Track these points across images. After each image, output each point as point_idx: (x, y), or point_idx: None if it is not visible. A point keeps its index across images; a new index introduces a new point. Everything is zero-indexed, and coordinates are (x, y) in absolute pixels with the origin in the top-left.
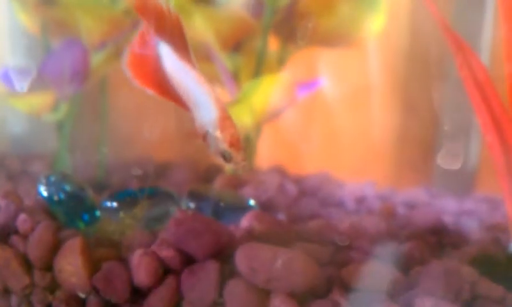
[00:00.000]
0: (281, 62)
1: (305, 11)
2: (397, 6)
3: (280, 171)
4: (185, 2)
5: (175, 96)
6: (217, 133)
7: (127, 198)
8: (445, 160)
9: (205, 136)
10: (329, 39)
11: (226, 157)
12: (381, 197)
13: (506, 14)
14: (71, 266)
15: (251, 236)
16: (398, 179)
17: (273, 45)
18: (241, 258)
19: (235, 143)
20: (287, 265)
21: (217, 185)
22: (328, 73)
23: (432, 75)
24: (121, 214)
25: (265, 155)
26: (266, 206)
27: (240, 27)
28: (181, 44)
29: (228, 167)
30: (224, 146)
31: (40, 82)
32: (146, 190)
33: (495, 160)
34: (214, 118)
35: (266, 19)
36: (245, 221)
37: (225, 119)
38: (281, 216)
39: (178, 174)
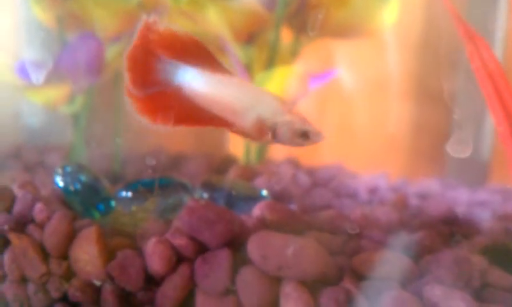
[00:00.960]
0: (294, 53)
1: (318, 3)
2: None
3: (294, 163)
4: None
5: (204, 118)
6: (288, 117)
7: (141, 188)
8: (454, 148)
9: (273, 129)
10: (343, 31)
11: (306, 134)
12: (393, 188)
13: None
14: (86, 255)
15: (263, 225)
16: (413, 169)
17: (286, 36)
18: (253, 246)
19: (305, 119)
20: (298, 253)
21: (231, 175)
22: (342, 64)
23: (447, 65)
24: (134, 208)
25: (279, 147)
26: (279, 197)
27: (254, 19)
28: (209, 59)
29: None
30: (300, 125)
31: (55, 75)
32: (160, 180)
33: (506, 150)
34: (277, 107)
35: (279, 11)
36: (257, 210)
37: (286, 102)
38: (294, 206)
39: (192, 166)
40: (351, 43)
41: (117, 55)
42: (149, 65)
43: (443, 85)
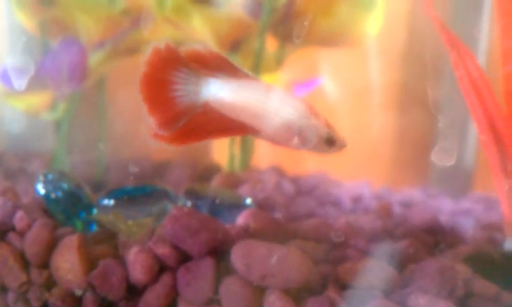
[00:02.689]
0: (278, 62)
1: (303, 11)
2: (395, 6)
3: (278, 170)
4: (183, 2)
5: (231, 127)
6: (314, 121)
7: (124, 196)
8: (439, 157)
9: (300, 132)
10: (327, 39)
11: (332, 139)
12: (377, 196)
13: (501, 15)
14: (67, 263)
15: (246, 233)
16: (396, 178)
17: (271, 45)
18: (237, 255)
19: (331, 125)
20: (281, 262)
21: (215, 183)
22: (326, 72)
23: (431, 73)
24: (130, 222)
25: (264, 154)
26: (263, 205)
27: (238, 27)
28: (231, 69)
29: (331, 153)
30: (325, 130)
31: (38, 81)
32: (143, 188)
33: (489, 159)
34: (304, 110)
35: (264, 19)
36: (241, 219)
37: (311, 107)
38: (278, 214)
39: (176, 173)
40: (336, 52)
41: (101, 61)
42: (171, 98)
43: (427, 93)
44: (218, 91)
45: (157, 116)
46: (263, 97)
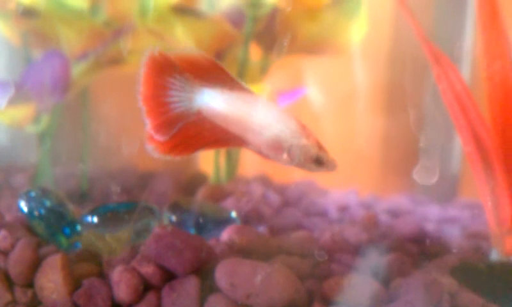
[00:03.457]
0: (263, 71)
1: (287, 20)
2: (379, 13)
3: (264, 180)
4: (165, 13)
5: (222, 138)
6: (304, 141)
7: (107, 213)
8: (421, 176)
9: (289, 151)
10: (311, 47)
11: (321, 161)
12: (364, 205)
13: (483, 21)
14: (52, 283)
15: (231, 250)
16: (383, 184)
17: (255, 54)
18: (221, 274)
19: (322, 145)
20: (266, 280)
21: (200, 196)
22: (311, 80)
23: (414, 82)
24: (107, 236)
25: (250, 163)
26: (249, 217)
27: (221, 37)
28: (226, 79)
29: (320, 172)
30: (315, 150)
31: (21, 94)
32: (126, 204)
33: (474, 171)
34: (296, 129)
35: (247, 28)
36: (225, 235)
37: (304, 126)
38: (263, 228)
39: (161, 184)
40: (321, 59)
41: (84, 73)
42: (166, 103)
43: (412, 100)
44: (211, 101)
45: (153, 119)
46: (256, 111)
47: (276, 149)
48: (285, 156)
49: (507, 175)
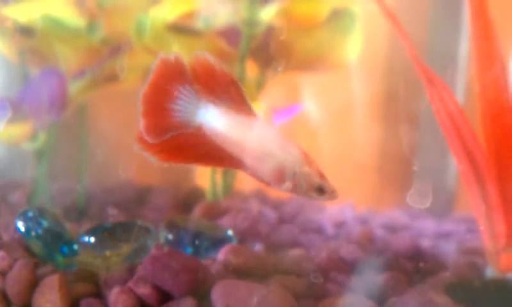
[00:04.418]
0: (259, 87)
1: (282, 37)
2: (375, 28)
3: (260, 196)
4: (162, 31)
5: (221, 158)
6: (307, 170)
7: (104, 233)
8: (414, 199)
9: (292, 179)
10: (307, 64)
11: (322, 190)
12: (360, 220)
13: (476, 32)
14: (49, 303)
15: (227, 271)
16: (379, 197)
17: (251, 71)
18: (217, 296)
19: (323, 174)
20: (262, 302)
21: (196, 213)
22: (308, 95)
23: (410, 96)
24: (108, 252)
25: (246, 178)
26: (245, 235)
27: (217, 55)
28: (238, 98)
29: (321, 200)
30: (317, 179)
31: (18, 112)
32: (123, 224)
33: (468, 188)
34: (299, 157)
35: (243, 46)
36: (221, 255)
37: (307, 154)
38: (260, 245)
39: (158, 199)
40: (317, 75)
41: (81, 90)
42: (167, 108)
43: (409, 114)
44: (214, 120)
45: (148, 120)
46: (260, 137)
47: (278, 177)
48: (287, 184)
49: (501, 192)
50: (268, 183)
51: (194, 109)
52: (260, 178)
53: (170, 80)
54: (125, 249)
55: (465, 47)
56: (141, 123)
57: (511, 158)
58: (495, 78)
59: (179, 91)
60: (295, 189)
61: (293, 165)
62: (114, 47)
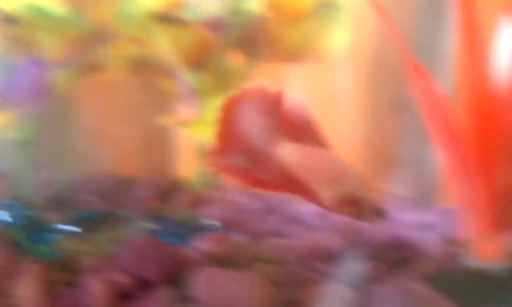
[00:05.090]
0: (245, 78)
1: (268, 26)
2: (362, 20)
3: (244, 188)
4: (147, 21)
5: (288, 185)
6: (370, 196)
7: (84, 222)
8: (396, 187)
9: (357, 203)
10: (294, 54)
11: (381, 213)
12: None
13: (460, 22)
14: (27, 292)
15: (208, 259)
16: None
17: (237, 60)
18: (198, 284)
19: (378, 197)
20: (242, 290)
21: (179, 203)
22: (293, 86)
23: (396, 89)
24: (91, 240)
25: None
26: (228, 225)
27: (204, 44)
28: (314, 136)
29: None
30: (378, 204)
31: (1, 101)
32: (103, 213)
33: (450, 178)
34: (361, 182)
35: (229, 36)
36: (203, 244)
37: (366, 180)
38: (242, 235)
39: (140, 190)
40: (303, 66)
41: (66, 79)
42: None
43: (393, 107)
44: (289, 153)
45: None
46: (328, 164)
47: (343, 203)
48: (350, 209)
49: (483, 182)
50: (330, 209)
51: (273, 140)
52: (323, 204)
53: (258, 109)
54: (109, 236)
55: (451, 38)
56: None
57: (494, 147)
58: (478, 67)
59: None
60: (357, 214)
61: (357, 190)
62: (99, 36)
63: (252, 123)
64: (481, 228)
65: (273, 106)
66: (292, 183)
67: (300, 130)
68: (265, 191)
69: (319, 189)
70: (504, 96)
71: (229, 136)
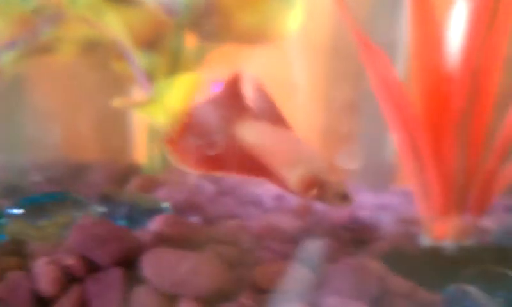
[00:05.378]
0: (198, 60)
1: (222, 8)
2: (317, 4)
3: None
4: (97, 1)
5: (250, 167)
6: (333, 179)
7: (33, 204)
8: (343, 160)
9: (321, 187)
10: (248, 36)
11: (346, 197)
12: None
13: (414, 9)
14: None
15: (159, 240)
16: None
17: (190, 42)
18: (146, 264)
19: (345, 182)
20: (192, 269)
21: (132, 186)
22: (248, 69)
23: (353, 73)
24: (45, 222)
25: None
26: (182, 208)
27: (154, 25)
28: (274, 114)
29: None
30: (342, 187)
31: None
32: (53, 195)
33: (402, 156)
34: (325, 165)
35: (182, 16)
36: (154, 225)
37: (332, 164)
38: (196, 218)
39: (93, 175)
40: (259, 49)
41: (12, 62)
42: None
43: (351, 92)
44: (249, 131)
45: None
46: (291, 147)
47: (306, 185)
48: (313, 192)
49: (436, 162)
50: (294, 191)
51: (233, 119)
52: (286, 186)
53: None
54: (59, 220)
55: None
56: (179, 129)
57: (447, 128)
58: (431, 47)
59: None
60: (321, 197)
61: (322, 174)
62: (48, 17)
63: (211, 107)
64: (434, 209)
65: (233, 89)
66: (254, 166)
67: (261, 112)
68: (227, 174)
69: (283, 171)
70: (457, 81)
71: (188, 120)
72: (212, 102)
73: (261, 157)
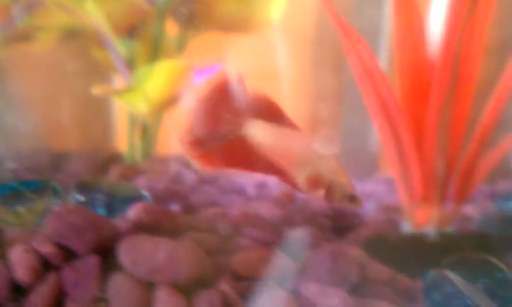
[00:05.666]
0: (179, 47)
1: None
2: None
3: (181, 160)
4: None
5: (260, 165)
6: (342, 179)
7: (9, 192)
8: (322, 145)
9: (328, 187)
10: (229, 24)
11: (354, 199)
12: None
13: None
14: None
15: (137, 228)
16: None
17: (171, 29)
18: (123, 251)
19: (353, 184)
20: (168, 256)
21: (113, 175)
22: (231, 57)
23: (336, 62)
24: (21, 208)
25: (168, 143)
26: (162, 196)
27: (134, 11)
28: (280, 117)
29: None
30: (351, 189)
31: None
32: (29, 183)
33: (384, 144)
34: (335, 167)
35: (162, 3)
36: (132, 213)
37: (341, 166)
38: (176, 206)
39: (74, 164)
40: (242, 37)
41: None
42: (218, 118)
43: (336, 81)
44: (258, 131)
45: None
46: (300, 146)
47: (314, 184)
48: (321, 192)
49: (417, 149)
50: (302, 190)
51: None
52: (295, 185)
53: (226, 94)
54: (38, 207)
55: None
56: (191, 125)
57: (428, 116)
58: (413, 35)
59: (230, 105)
60: (328, 196)
61: (330, 175)
62: (25, 4)
63: (221, 109)
64: (415, 196)
65: (222, 91)
66: (265, 165)
67: (268, 114)
68: (241, 172)
69: (292, 171)
70: (438, 69)
71: (201, 125)
72: (207, 102)
73: (271, 156)
